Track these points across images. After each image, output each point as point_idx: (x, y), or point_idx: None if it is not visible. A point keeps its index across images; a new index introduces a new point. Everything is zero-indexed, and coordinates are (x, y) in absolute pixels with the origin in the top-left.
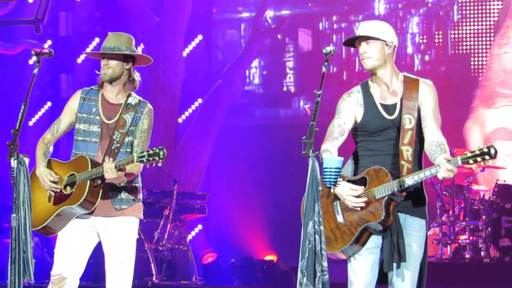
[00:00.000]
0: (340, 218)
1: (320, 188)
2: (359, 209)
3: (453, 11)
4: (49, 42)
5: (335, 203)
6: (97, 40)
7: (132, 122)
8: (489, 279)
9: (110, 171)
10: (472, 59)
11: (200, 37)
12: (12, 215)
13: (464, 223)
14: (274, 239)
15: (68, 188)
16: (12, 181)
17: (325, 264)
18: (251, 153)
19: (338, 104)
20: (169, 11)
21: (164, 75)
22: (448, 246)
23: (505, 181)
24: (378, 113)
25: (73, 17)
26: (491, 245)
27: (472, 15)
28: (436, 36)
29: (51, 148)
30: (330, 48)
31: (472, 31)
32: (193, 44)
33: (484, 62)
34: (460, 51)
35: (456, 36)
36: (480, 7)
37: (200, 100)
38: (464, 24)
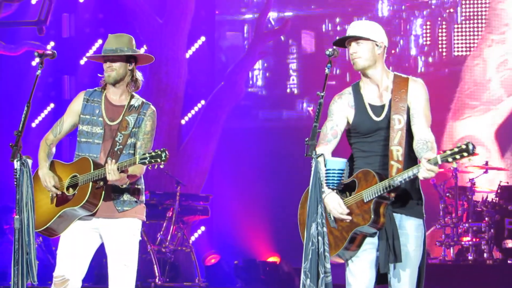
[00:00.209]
0: (332, 223)
1: (323, 189)
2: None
3: (457, 12)
4: (52, 43)
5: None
6: (100, 41)
7: (135, 124)
8: (492, 281)
9: (112, 173)
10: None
11: (203, 38)
12: (15, 216)
13: (467, 225)
14: (277, 241)
15: (70, 189)
16: (15, 183)
17: (328, 265)
18: (254, 154)
19: (330, 106)
20: (172, 13)
21: (167, 77)
22: (451, 247)
23: (508, 183)
24: (367, 114)
25: (76, 18)
26: (494, 246)
27: (475, 17)
28: (440, 38)
29: (54, 149)
30: (333, 50)
31: (474, 32)
32: (196, 45)
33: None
34: (463, 53)
35: (460, 37)
36: (483, 9)
37: (203, 102)
38: (467, 25)
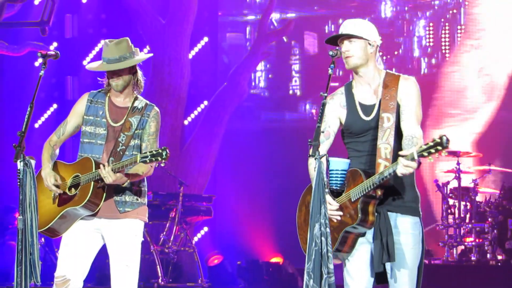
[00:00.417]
0: None
1: (326, 190)
2: (338, 218)
3: (460, 13)
4: (55, 44)
5: None
6: (102, 42)
7: (138, 125)
8: (495, 282)
9: (108, 176)
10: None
11: (206, 39)
12: (19, 217)
13: (470, 226)
14: (280, 242)
15: (72, 189)
16: (19, 183)
17: (331, 266)
18: (256, 156)
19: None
20: (174, 13)
21: (169, 77)
22: (454, 248)
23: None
24: (357, 114)
25: (79, 19)
26: (497, 247)
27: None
28: (443, 39)
29: (57, 151)
30: (336, 50)
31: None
32: (199, 46)
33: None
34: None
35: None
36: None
37: (206, 102)
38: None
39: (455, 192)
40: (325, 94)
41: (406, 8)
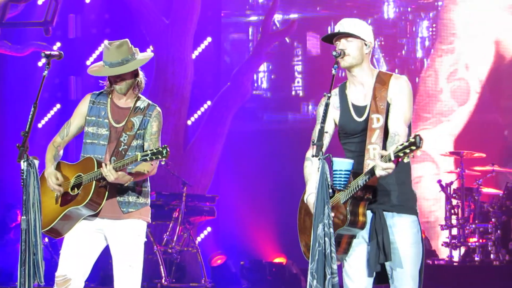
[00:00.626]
0: None
1: (330, 190)
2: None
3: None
4: (58, 44)
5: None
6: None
7: (140, 125)
8: (499, 282)
9: (109, 174)
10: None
11: (209, 39)
12: (22, 217)
13: (473, 226)
14: (283, 242)
15: (75, 189)
16: (22, 183)
17: (335, 266)
18: (259, 156)
19: (317, 109)
20: (178, 13)
21: (173, 77)
22: (458, 249)
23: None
24: (350, 115)
25: (82, 19)
26: (500, 247)
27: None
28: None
29: (61, 152)
30: (339, 51)
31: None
32: (202, 46)
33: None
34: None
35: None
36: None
37: (209, 102)
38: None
39: (458, 192)
40: (329, 95)
41: (409, 9)
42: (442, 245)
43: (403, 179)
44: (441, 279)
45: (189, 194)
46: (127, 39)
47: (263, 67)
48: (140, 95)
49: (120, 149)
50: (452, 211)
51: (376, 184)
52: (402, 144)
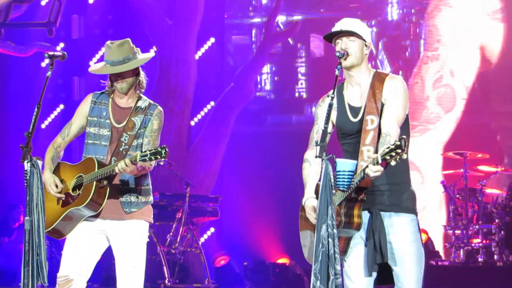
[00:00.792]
0: None
1: (333, 191)
2: None
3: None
4: (61, 44)
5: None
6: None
7: (141, 125)
8: (503, 283)
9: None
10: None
11: (212, 39)
12: (26, 218)
13: (477, 227)
14: (286, 243)
15: (76, 190)
16: (26, 184)
17: (338, 267)
18: (263, 157)
19: (315, 110)
20: (181, 14)
21: (176, 78)
22: (461, 249)
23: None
24: (346, 116)
25: (86, 20)
26: (504, 248)
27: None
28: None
29: (61, 153)
30: (343, 51)
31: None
32: (206, 47)
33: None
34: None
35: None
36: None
37: (212, 103)
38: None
39: (462, 193)
40: (332, 95)
41: (412, 11)
42: (446, 246)
43: (401, 179)
44: (445, 280)
45: (192, 195)
46: (128, 39)
47: (266, 69)
48: (141, 95)
49: (121, 149)
50: (456, 211)
51: (369, 185)
52: (389, 147)
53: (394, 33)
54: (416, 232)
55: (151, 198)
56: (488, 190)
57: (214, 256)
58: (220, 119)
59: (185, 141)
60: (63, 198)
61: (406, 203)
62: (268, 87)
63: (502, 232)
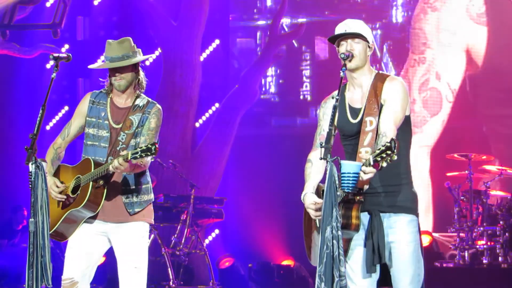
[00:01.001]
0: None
1: (338, 193)
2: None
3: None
4: (66, 46)
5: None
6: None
7: (139, 123)
8: (507, 285)
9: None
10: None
11: (217, 41)
12: (30, 219)
13: (481, 229)
14: (291, 244)
15: (76, 191)
16: (30, 186)
17: (342, 269)
18: (268, 159)
19: (318, 111)
20: (186, 16)
21: (181, 80)
22: (466, 251)
23: None
24: (346, 117)
25: (90, 21)
26: (509, 250)
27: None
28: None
29: (62, 154)
30: (348, 53)
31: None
32: (210, 48)
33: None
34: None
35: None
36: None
37: (217, 105)
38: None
39: (466, 195)
40: (337, 97)
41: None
42: (450, 247)
43: (402, 180)
44: (449, 281)
45: (197, 197)
46: (129, 37)
47: (271, 71)
48: (140, 93)
49: (118, 148)
50: (460, 213)
51: (364, 186)
52: (379, 148)
53: (398, 35)
54: (415, 232)
55: (152, 196)
56: (493, 192)
57: (218, 257)
58: (225, 121)
59: (190, 142)
60: (63, 200)
61: (405, 203)
62: (272, 89)
63: (506, 234)
